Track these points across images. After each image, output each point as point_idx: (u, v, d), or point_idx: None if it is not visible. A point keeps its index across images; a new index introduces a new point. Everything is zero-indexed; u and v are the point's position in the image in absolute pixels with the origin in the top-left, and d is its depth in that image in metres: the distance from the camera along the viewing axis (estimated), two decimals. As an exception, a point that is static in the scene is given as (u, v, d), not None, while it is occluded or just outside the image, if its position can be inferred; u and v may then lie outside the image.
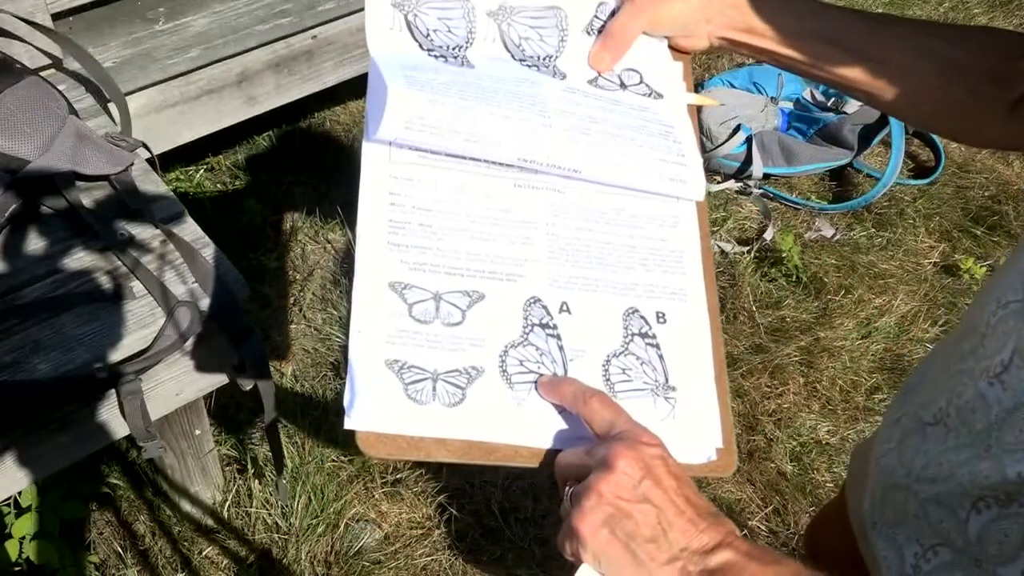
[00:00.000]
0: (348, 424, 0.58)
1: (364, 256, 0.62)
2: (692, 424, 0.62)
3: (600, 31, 0.74)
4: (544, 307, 0.64)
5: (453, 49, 0.70)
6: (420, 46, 0.69)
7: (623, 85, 0.73)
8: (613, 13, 0.74)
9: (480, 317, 0.62)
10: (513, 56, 0.71)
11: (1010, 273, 0.64)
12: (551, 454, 0.60)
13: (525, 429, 0.60)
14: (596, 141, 0.68)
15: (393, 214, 0.64)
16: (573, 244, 0.66)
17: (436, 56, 0.70)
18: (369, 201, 0.64)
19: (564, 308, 0.64)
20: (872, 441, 0.84)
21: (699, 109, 2.45)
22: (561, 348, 0.63)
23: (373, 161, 0.65)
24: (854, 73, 0.71)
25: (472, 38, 0.71)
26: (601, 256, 0.67)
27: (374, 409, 0.58)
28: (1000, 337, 0.62)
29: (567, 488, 0.56)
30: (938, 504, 0.66)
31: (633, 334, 0.64)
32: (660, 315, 0.65)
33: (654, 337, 0.64)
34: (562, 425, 0.61)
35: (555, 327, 0.63)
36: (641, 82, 0.74)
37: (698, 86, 2.51)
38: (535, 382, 0.61)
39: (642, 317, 0.65)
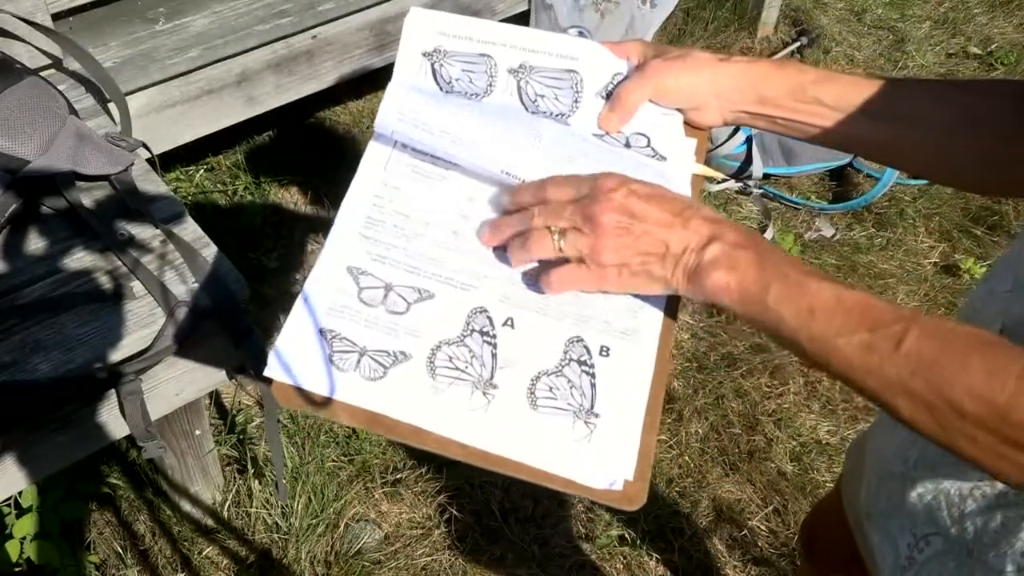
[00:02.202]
0: (267, 371, 0.62)
1: (334, 240, 0.68)
2: (605, 450, 0.62)
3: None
4: (489, 318, 0.66)
5: (470, 96, 0.74)
6: (440, 88, 0.74)
7: (628, 145, 0.74)
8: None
9: (424, 312, 0.66)
10: (527, 109, 0.74)
11: (1001, 266, 0.65)
12: (456, 446, 0.62)
13: (434, 416, 0.62)
14: (583, 170, 0.68)
15: (372, 212, 0.69)
16: (535, 272, 0.67)
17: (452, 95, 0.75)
18: (354, 198, 0.70)
19: (508, 323, 0.66)
20: (867, 435, 0.84)
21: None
22: (494, 356, 0.64)
23: (370, 165, 0.71)
24: (879, 134, 0.70)
25: (491, 90, 0.75)
26: None
27: (295, 363, 0.63)
28: (988, 318, 0.63)
29: (554, 235, 0.63)
30: (934, 492, 0.67)
31: (571, 359, 0.65)
32: (604, 349, 0.66)
33: (592, 367, 0.65)
34: (473, 421, 0.62)
35: (494, 336, 0.65)
36: (648, 145, 0.74)
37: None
38: (458, 378, 0.63)
39: (585, 347, 0.65)
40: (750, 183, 2.32)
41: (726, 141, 2.28)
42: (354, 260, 0.67)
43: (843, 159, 2.36)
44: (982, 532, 0.63)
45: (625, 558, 1.64)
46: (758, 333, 2.01)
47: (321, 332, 0.64)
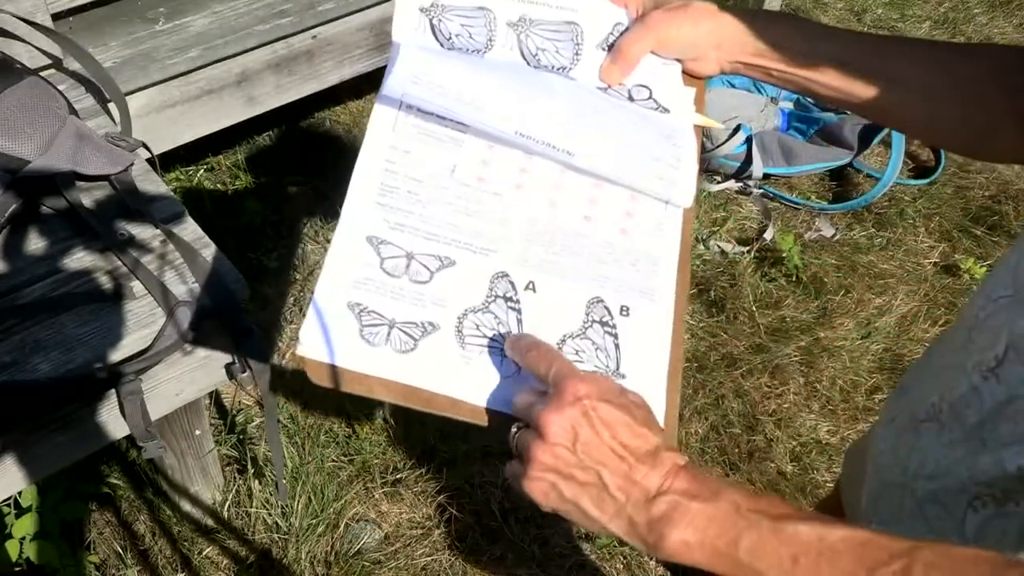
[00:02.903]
0: (299, 350, 0.62)
1: (350, 210, 0.67)
2: None
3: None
4: (511, 282, 0.66)
5: (472, 53, 0.73)
6: (441, 45, 0.73)
7: (631, 98, 0.75)
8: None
9: (447, 280, 0.66)
10: (528, 63, 0.74)
11: (1001, 269, 0.65)
12: (490, 414, 0.63)
13: (467, 385, 0.63)
14: (594, 129, 0.69)
15: (386, 178, 0.68)
16: (551, 232, 0.68)
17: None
18: (366, 164, 0.69)
19: (530, 286, 0.66)
20: (867, 440, 0.84)
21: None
22: (520, 321, 0.65)
23: (378, 128, 0.70)
24: (868, 92, 0.71)
25: (491, 45, 0.74)
26: (576, 247, 0.69)
27: (327, 341, 0.62)
28: (991, 331, 0.63)
29: (513, 429, 0.60)
30: (935, 502, 0.66)
31: (594, 321, 0.66)
32: (624, 308, 0.67)
33: (614, 327, 0.66)
34: (505, 388, 0.63)
35: (518, 301, 0.66)
36: (650, 97, 0.75)
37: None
38: (487, 346, 0.64)
39: (606, 307, 0.67)
40: (750, 183, 2.32)
41: (726, 141, 2.28)
42: (373, 230, 0.67)
43: (843, 159, 2.36)
44: (986, 542, 0.63)
45: (625, 558, 1.64)
46: (758, 332, 2.01)
47: (349, 307, 0.64)
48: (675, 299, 0.68)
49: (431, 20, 0.73)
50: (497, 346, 0.64)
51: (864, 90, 0.71)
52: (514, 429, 0.60)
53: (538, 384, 0.61)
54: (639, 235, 0.70)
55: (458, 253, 0.67)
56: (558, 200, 0.70)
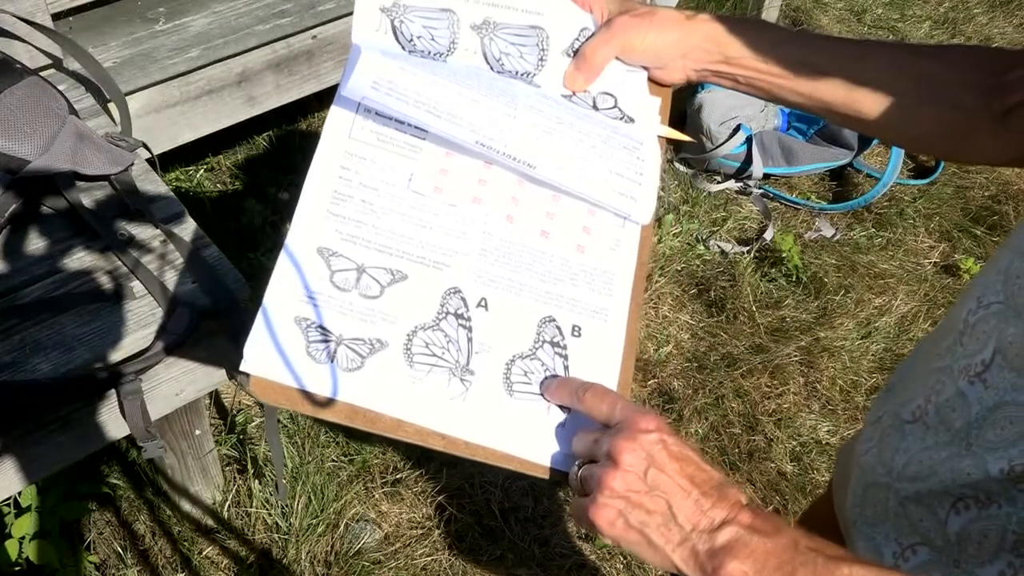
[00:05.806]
0: (243, 366, 0.60)
1: (301, 219, 0.65)
2: None
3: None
4: (463, 299, 0.65)
5: (434, 55, 0.71)
6: (402, 48, 0.71)
7: (596, 107, 0.73)
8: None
9: (398, 296, 0.64)
10: (492, 68, 0.72)
11: (991, 273, 0.64)
12: (435, 436, 0.62)
13: (414, 407, 0.62)
14: (558, 142, 0.68)
15: (339, 186, 0.66)
16: (506, 246, 0.67)
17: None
18: (319, 170, 0.67)
19: (482, 304, 0.65)
20: (856, 440, 0.84)
21: (698, 111, 2.44)
22: (470, 340, 0.64)
23: (334, 132, 0.68)
24: (837, 97, 0.70)
25: (454, 48, 0.72)
26: (531, 263, 0.67)
27: (272, 357, 0.60)
28: (980, 337, 0.63)
29: (575, 467, 0.60)
30: (918, 503, 0.66)
31: (544, 341, 0.65)
32: (576, 328, 0.66)
33: (564, 348, 0.66)
34: (453, 411, 0.62)
35: (469, 319, 0.65)
36: (615, 107, 0.74)
37: (698, 85, 2.51)
38: (435, 365, 0.63)
39: (557, 327, 0.66)
40: (750, 183, 2.32)
41: (726, 141, 2.28)
42: (323, 241, 0.64)
43: (843, 159, 2.36)
44: (968, 543, 0.63)
45: (625, 558, 1.64)
46: (758, 333, 2.01)
47: (296, 321, 0.62)
48: (628, 319, 0.67)
49: (392, 21, 0.71)
50: (446, 366, 0.63)
51: (835, 95, 0.70)
52: (576, 466, 0.60)
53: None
54: (595, 252, 0.69)
55: (410, 267, 0.65)
56: (515, 214, 0.68)
